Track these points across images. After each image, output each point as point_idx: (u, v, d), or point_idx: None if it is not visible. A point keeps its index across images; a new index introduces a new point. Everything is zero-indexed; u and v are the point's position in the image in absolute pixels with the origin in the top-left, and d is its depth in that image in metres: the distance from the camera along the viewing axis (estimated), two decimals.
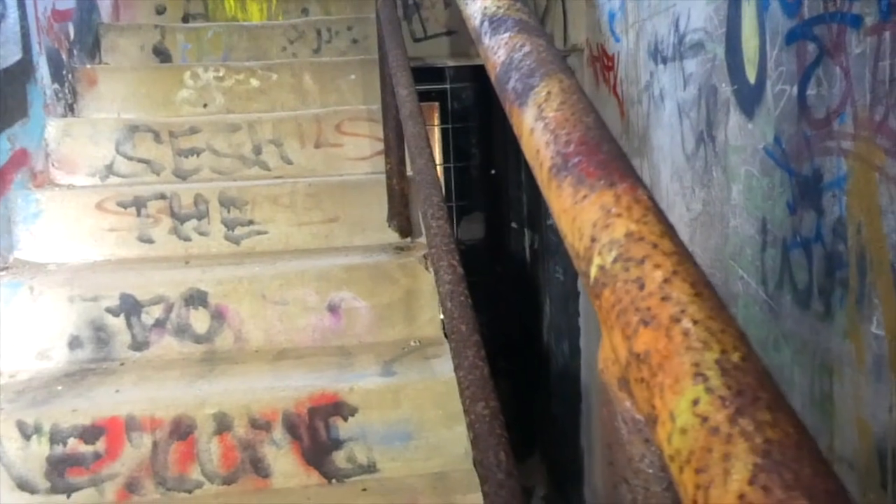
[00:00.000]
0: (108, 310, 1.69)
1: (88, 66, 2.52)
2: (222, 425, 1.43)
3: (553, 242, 3.87)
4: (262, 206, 1.99)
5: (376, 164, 2.18)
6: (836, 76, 1.45)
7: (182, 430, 1.42)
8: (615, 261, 0.41)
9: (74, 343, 1.68)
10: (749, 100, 1.79)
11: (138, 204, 1.96)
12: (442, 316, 1.29)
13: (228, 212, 1.98)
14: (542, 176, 0.52)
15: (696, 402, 0.33)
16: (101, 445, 1.41)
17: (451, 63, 3.40)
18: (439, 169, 4.75)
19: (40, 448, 1.40)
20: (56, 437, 1.40)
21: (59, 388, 1.54)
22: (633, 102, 2.65)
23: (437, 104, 5.33)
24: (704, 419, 0.32)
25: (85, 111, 2.42)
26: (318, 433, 1.45)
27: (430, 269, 1.70)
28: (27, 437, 1.40)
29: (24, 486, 1.39)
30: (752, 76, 1.78)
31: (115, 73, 2.52)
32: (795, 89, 1.59)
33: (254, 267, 1.81)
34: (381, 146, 2.09)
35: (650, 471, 0.43)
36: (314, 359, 1.66)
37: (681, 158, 2.20)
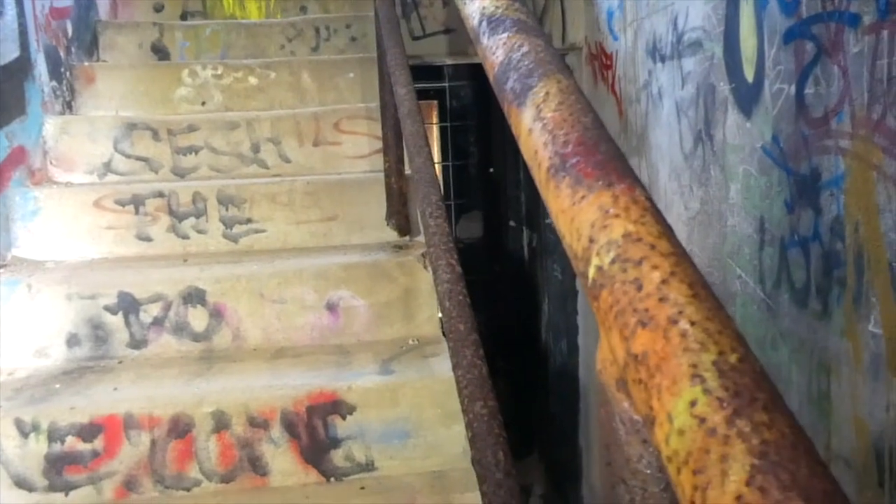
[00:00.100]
0: (107, 308, 1.69)
1: (86, 63, 2.51)
2: (220, 423, 1.43)
3: (551, 241, 3.88)
4: (260, 204, 1.99)
5: (375, 163, 2.18)
6: (833, 75, 1.45)
7: (180, 428, 1.42)
8: (613, 262, 0.41)
9: (72, 341, 1.68)
10: (747, 99, 1.79)
11: (136, 202, 1.96)
12: (440, 314, 1.29)
13: (227, 210, 1.98)
14: (540, 176, 0.52)
15: (693, 404, 0.33)
16: (99, 443, 1.41)
17: (449, 61, 3.40)
18: (438, 167, 4.75)
19: (38, 446, 1.39)
20: (54, 435, 1.40)
21: (57, 386, 1.54)
22: (631, 101, 2.65)
23: (435, 102, 5.33)
24: (702, 420, 0.32)
25: (83, 109, 2.41)
26: (316, 431, 1.45)
27: (429, 268, 1.70)
28: (25, 435, 1.39)
29: (21, 484, 1.39)
30: (750, 75, 1.78)
31: (113, 70, 2.51)
32: (793, 88, 1.59)
33: (252, 265, 1.81)
34: (379, 144, 2.09)
35: (648, 471, 0.43)
36: (312, 357, 1.66)
37: (679, 157, 2.20)
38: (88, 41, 2.64)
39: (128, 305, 1.69)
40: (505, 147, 4.68)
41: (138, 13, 3.16)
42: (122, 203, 1.95)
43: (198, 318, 1.71)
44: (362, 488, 1.43)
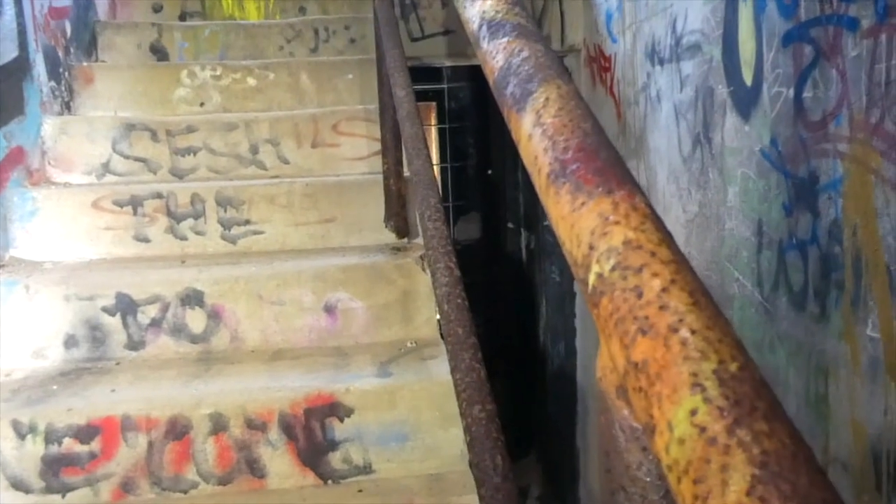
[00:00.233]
0: (104, 309, 1.69)
1: (85, 63, 2.51)
2: (218, 425, 1.43)
3: (549, 243, 3.88)
4: (258, 205, 1.99)
5: (373, 165, 2.18)
6: (832, 79, 1.45)
7: (178, 430, 1.42)
8: (613, 269, 0.41)
9: (70, 342, 1.68)
10: (745, 102, 1.79)
11: (135, 203, 1.95)
12: (438, 317, 1.29)
13: (225, 211, 1.97)
14: (540, 182, 0.52)
15: (694, 413, 0.33)
16: (96, 445, 1.40)
17: (448, 63, 3.40)
18: (436, 169, 4.76)
19: (35, 447, 1.39)
20: (51, 437, 1.40)
21: (55, 387, 1.54)
22: (629, 103, 2.65)
23: (434, 104, 5.33)
24: (702, 429, 0.32)
25: (81, 109, 2.41)
26: (313, 434, 1.45)
27: (427, 270, 1.70)
28: (22, 436, 1.39)
29: (18, 485, 1.38)
30: (748, 78, 1.78)
31: (111, 71, 2.51)
32: (792, 91, 1.59)
33: (250, 267, 1.80)
34: (378, 146, 2.09)
35: (648, 479, 0.43)
36: (310, 359, 1.66)
37: (677, 160, 2.20)
38: (87, 41, 2.64)
39: (126, 307, 1.69)
40: (503, 149, 4.68)
41: (137, 13, 3.16)
42: (120, 204, 1.95)
43: (196, 320, 1.71)
44: (360, 491, 1.43)
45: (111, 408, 1.43)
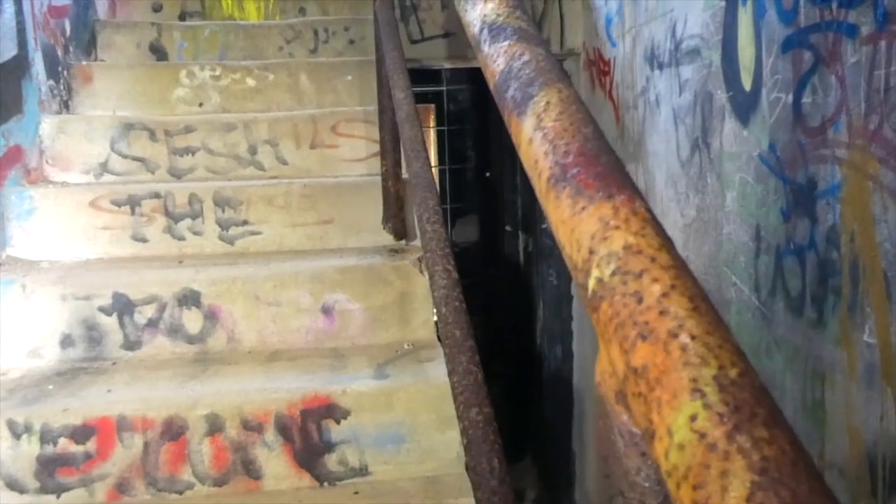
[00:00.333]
0: (101, 309, 1.68)
1: (84, 62, 2.51)
2: (214, 426, 1.43)
3: (547, 246, 3.88)
4: (256, 206, 1.99)
5: (372, 166, 2.18)
6: (831, 85, 1.45)
7: (174, 430, 1.42)
8: (613, 274, 0.41)
9: (66, 342, 1.67)
10: (744, 107, 1.79)
11: (132, 202, 1.95)
12: (436, 319, 1.29)
13: (223, 212, 1.97)
14: (540, 186, 0.52)
15: (693, 418, 0.33)
16: (91, 445, 1.40)
17: (447, 65, 3.40)
18: (434, 171, 4.76)
19: (30, 447, 1.39)
20: (46, 437, 1.39)
21: (51, 387, 1.53)
22: (628, 107, 2.65)
23: (433, 106, 5.34)
24: (702, 435, 0.32)
25: (80, 108, 2.41)
26: (310, 435, 1.45)
27: (425, 272, 1.70)
28: (17, 436, 1.39)
29: (13, 485, 1.38)
30: (747, 83, 1.78)
31: (110, 70, 2.51)
32: (791, 97, 1.59)
33: (248, 267, 1.80)
34: (376, 148, 2.09)
35: (646, 484, 0.43)
36: (307, 360, 1.65)
37: (676, 164, 2.20)
38: (86, 40, 2.63)
39: (122, 306, 1.69)
40: (502, 151, 4.69)
41: (136, 13, 3.15)
42: (118, 203, 1.95)
43: (192, 320, 1.71)
44: (356, 493, 1.42)
45: (107, 408, 1.42)
